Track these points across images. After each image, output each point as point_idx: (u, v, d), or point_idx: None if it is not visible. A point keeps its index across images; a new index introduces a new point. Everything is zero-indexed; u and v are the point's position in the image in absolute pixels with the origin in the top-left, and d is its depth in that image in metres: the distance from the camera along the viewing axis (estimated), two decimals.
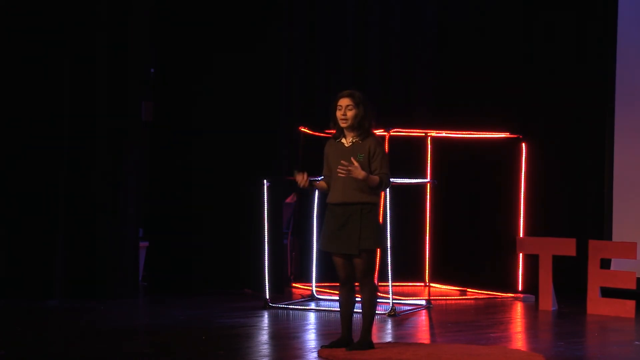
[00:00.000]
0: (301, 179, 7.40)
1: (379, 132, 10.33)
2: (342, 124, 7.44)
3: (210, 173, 11.12)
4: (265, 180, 10.20)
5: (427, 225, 11.74)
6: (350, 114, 7.41)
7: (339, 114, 7.44)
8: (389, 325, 9.14)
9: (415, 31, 12.65)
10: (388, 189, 9.53)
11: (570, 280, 10.93)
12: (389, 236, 9.73)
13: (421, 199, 11.94)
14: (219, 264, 11.10)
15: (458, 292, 11.60)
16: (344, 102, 7.42)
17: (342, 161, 7.32)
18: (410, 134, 11.53)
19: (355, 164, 7.31)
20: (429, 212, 11.83)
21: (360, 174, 7.30)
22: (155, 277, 11.31)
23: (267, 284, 10.13)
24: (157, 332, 8.65)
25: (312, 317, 9.66)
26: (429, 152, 11.78)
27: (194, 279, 11.15)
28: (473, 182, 12.10)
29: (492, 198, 11.90)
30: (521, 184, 11.34)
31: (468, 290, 11.57)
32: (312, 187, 7.52)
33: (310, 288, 10.77)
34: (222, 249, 11.11)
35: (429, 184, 11.76)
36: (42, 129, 10.30)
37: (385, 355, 7.38)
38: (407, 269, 11.90)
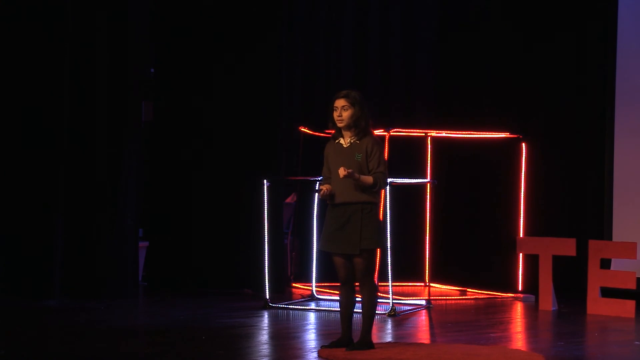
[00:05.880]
0: (324, 191, 7.44)
1: (379, 132, 10.33)
2: (339, 124, 7.51)
3: (210, 173, 11.12)
4: (265, 180, 10.20)
5: (427, 225, 11.73)
6: (345, 114, 7.47)
7: (335, 114, 7.51)
8: (389, 325, 9.14)
9: (415, 31, 12.65)
10: (388, 189, 9.57)
11: (570, 280, 10.93)
12: (389, 236, 9.74)
13: (421, 199, 11.94)
14: (219, 264, 11.10)
15: (458, 292, 11.60)
16: (339, 102, 7.49)
17: (339, 170, 7.35)
18: (410, 134, 11.53)
19: (343, 173, 7.31)
20: (429, 212, 11.82)
21: (352, 176, 7.34)
22: (155, 277, 11.31)
23: (267, 284, 10.12)
24: (157, 332, 8.65)
25: (312, 317, 9.65)
26: (429, 152, 11.78)
27: (194, 279, 11.15)
28: (473, 182, 12.10)
29: (492, 198, 11.90)
30: (521, 184, 11.33)
31: (468, 290, 11.57)
32: (331, 195, 7.52)
33: (310, 288, 10.76)
34: (222, 249, 11.10)
35: (429, 184, 11.76)
36: (43, 129, 10.30)
37: (385, 355, 7.38)
38: (407, 269, 11.90)
